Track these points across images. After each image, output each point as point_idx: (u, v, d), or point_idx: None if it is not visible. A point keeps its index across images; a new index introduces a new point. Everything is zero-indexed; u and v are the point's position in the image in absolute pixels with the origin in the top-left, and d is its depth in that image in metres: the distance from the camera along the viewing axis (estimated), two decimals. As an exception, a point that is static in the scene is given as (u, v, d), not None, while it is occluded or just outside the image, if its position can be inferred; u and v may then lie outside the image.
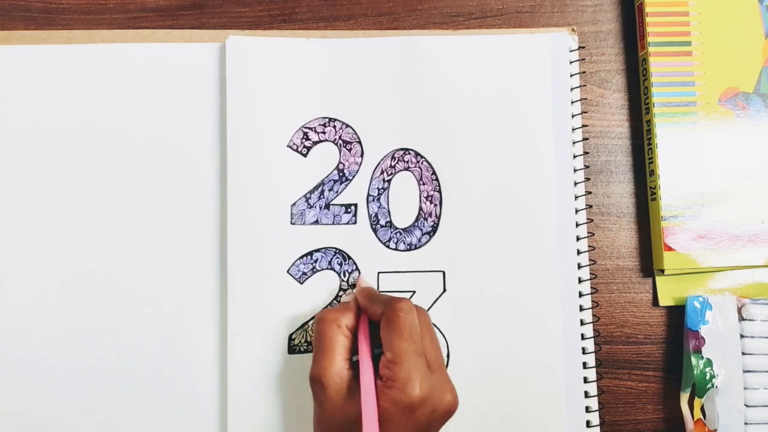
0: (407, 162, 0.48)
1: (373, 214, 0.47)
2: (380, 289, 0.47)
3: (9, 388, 0.46)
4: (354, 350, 0.40)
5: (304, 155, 0.48)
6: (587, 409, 0.46)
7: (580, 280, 0.47)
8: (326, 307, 0.46)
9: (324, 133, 0.48)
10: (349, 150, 0.48)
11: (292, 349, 0.46)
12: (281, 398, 0.45)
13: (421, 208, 0.48)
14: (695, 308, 0.47)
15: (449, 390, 0.38)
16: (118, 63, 0.48)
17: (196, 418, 0.46)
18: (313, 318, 0.46)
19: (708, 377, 0.46)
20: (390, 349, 0.37)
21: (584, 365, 0.47)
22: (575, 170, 0.48)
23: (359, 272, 0.47)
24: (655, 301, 0.49)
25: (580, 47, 0.50)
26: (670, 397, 0.48)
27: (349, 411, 0.37)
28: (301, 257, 0.47)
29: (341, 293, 0.47)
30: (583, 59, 0.50)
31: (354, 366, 0.39)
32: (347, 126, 0.48)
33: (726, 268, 0.48)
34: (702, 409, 0.47)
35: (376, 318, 0.40)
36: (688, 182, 0.48)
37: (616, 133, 0.51)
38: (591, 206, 0.49)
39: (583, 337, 0.47)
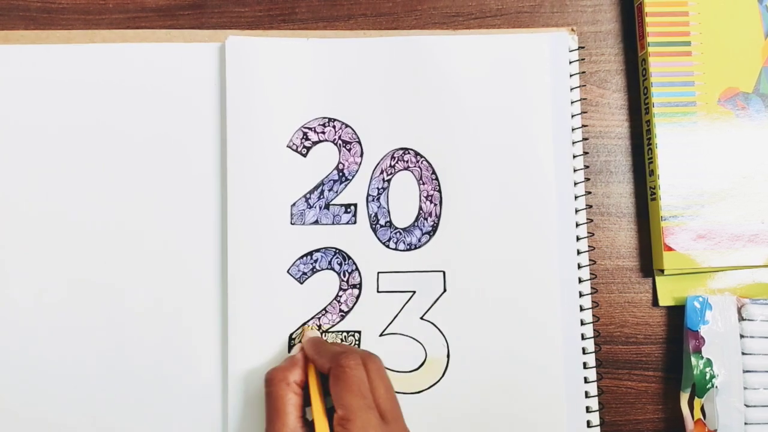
0: (407, 162, 0.48)
1: (373, 214, 0.47)
2: (380, 290, 0.47)
3: (9, 388, 0.46)
4: (306, 404, 0.39)
5: (304, 155, 0.48)
6: (587, 410, 0.46)
7: (580, 280, 0.47)
8: (321, 312, 0.46)
9: (323, 133, 0.48)
10: (349, 150, 0.48)
11: (293, 349, 0.46)
12: (281, 398, 0.45)
13: (421, 208, 0.48)
14: (695, 308, 0.47)
15: None
16: (117, 63, 0.48)
17: (197, 418, 0.46)
18: (312, 318, 0.46)
19: (708, 377, 0.46)
20: (341, 406, 0.37)
21: (584, 365, 0.47)
22: (575, 170, 0.48)
23: (308, 324, 0.46)
24: (654, 301, 0.49)
25: (579, 47, 0.50)
26: (670, 397, 0.48)
27: None
28: (301, 257, 0.47)
29: (341, 293, 0.47)
30: (583, 59, 0.50)
31: (308, 424, 0.39)
32: (347, 126, 0.48)
33: (726, 268, 0.48)
34: (702, 409, 0.47)
35: (324, 371, 0.39)
36: (688, 182, 0.48)
37: (615, 133, 0.51)
38: (591, 206, 0.49)
39: (583, 337, 0.47)
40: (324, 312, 0.46)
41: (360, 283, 0.47)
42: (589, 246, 0.48)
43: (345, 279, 0.47)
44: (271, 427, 0.38)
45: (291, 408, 0.38)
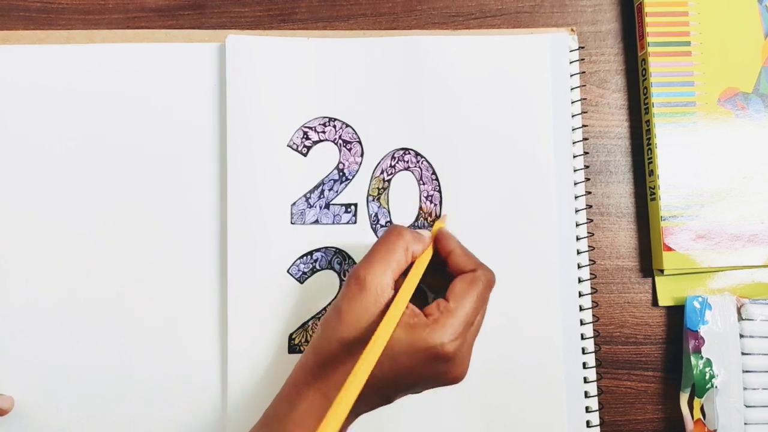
0: (407, 162, 0.48)
1: (373, 214, 0.47)
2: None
3: (11, 390, 0.45)
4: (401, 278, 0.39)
5: (304, 155, 0.48)
6: (587, 409, 0.46)
7: (579, 280, 0.47)
8: (321, 311, 0.46)
9: (324, 132, 0.48)
10: (349, 150, 0.48)
11: (292, 348, 0.46)
12: (281, 398, 0.45)
13: (421, 208, 0.48)
14: (695, 308, 0.47)
15: (467, 365, 0.38)
16: (117, 63, 0.48)
17: (197, 418, 0.46)
18: (313, 318, 0.46)
19: (707, 377, 0.46)
20: (455, 300, 0.37)
21: (584, 365, 0.47)
22: (575, 170, 0.48)
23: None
24: (654, 301, 0.49)
25: (579, 47, 0.50)
26: (669, 397, 0.48)
27: (366, 322, 0.36)
28: (301, 257, 0.47)
29: (341, 293, 0.47)
30: (583, 59, 0.51)
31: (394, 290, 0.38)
32: (347, 126, 0.48)
33: (725, 268, 0.48)
34: (702, 409, 0.47)
35: (462, 268, 0.39)
36: (688, 182, 0.48)
37: (615, 133, 0.51)
38: (591, 206, 0.49)
39: (582, 337, 0.47)
40: (324, 311, 0.46)
41: (360, 283, 0.47)
42: (588, 246, 0.48)
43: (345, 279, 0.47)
44: (368, 266, 0.38)
45: (395, 265, 0.38)
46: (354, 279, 0.37)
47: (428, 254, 0.40)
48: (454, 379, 0.37)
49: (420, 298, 0.42)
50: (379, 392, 0.37)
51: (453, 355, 0.36)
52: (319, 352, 0.38)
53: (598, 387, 0.47)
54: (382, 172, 0.48)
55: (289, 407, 0.37)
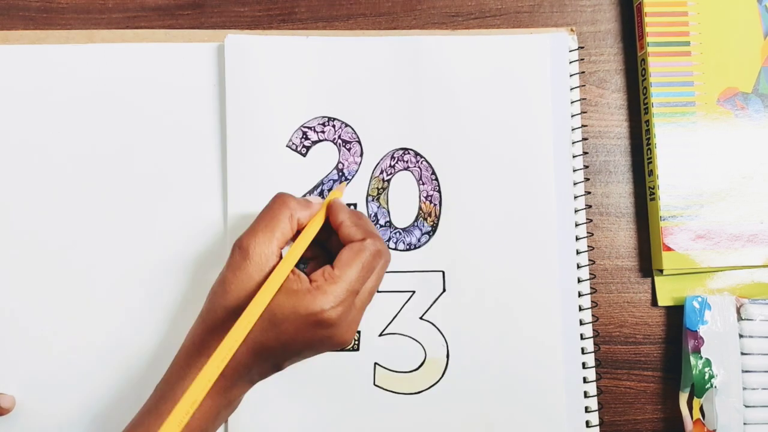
0: (407, 162, 0.48)
1: (373, 214, 0.47)
2: (379, 289, 0.47)
3: (11, 390, 0.46)
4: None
5: (304, 155, 0.48)
6: (586, 409, 0.46)
7: (579, 280, 0.47)
8: None
9: (323, 132, 0.48)
10: (349, 149, 0.48)
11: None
12: (281, 397, 0.45)
13: (420, 208, 0.48)
14: (694, 308, 0.47)
15: (353, 331, 0.38)
16: (117, 63, 0.48)
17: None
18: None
19: (707, 377, 0.46)
20: (340, 267, 0.37)
21: (583, 365, 0.47)
22: (574, 170, 0.48)
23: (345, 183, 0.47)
24: (654, 301, 0.49)
25: (579, 47, 0.50)
26: (669, 397, 0.48)
27: (250, 291, 0.37)
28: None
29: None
30: (582, 59, 0.50)
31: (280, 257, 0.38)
32: (347, 125, 0.48)
33: (725, 268, 0.48)
34: (701, 409, 0.47)
35: (345, 239, 0.39)
36: (687, 182, 0.48)
37: (615, 133, 0.51)
38: (590, 206, 0.49)
39: (582, 337, 0.47)
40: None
41: (359, 283, 0.47)
42: (588, 246, 0.48)
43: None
44: (252, 235, 0.38)
45: (279, 234, 0.38)
46: (238, 248, 0.38)
47: (318, 222, 0.40)
48: (338, 344, 0.38)
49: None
50: (268, 359, 0.37)
51: (335, 322, 0.36)
52: (206, 321, 0.38)
53: (598, 387, 0.47)
54: (381, 172, 0.48)
55: (180, 376, 0.38)
